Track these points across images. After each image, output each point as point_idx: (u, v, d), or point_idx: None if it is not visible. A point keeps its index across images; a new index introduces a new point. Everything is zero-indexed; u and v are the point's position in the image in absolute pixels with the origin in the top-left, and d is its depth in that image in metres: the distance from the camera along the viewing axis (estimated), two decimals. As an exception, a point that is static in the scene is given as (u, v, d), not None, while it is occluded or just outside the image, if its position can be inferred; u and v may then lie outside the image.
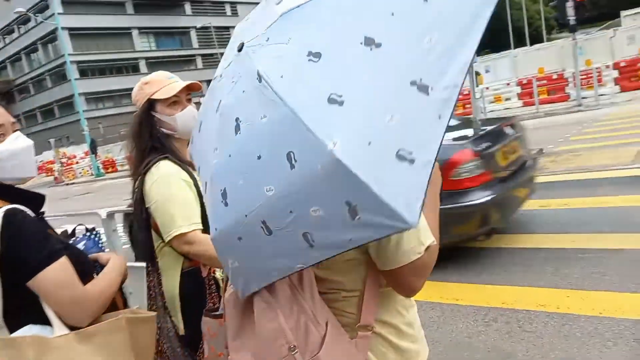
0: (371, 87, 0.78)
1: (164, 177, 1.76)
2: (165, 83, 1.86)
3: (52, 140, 30.46)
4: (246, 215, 0.86)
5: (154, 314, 1.42)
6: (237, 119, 0.88)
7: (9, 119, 1.38)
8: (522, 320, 3.19)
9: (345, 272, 1.06)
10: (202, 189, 1.05)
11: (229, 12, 53.01)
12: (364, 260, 1.04)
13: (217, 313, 1.32)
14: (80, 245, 1.59)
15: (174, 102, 1.85)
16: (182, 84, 1.86)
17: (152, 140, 1.83)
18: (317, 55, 0.82)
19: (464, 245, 4.59)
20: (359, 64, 0.80)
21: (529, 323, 3.13)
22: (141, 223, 1.82)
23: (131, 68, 46.35)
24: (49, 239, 1.29)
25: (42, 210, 1.42)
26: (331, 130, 0.76)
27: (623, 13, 35.53)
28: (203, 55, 51.08)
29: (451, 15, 0.82)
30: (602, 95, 15.04)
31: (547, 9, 31.83)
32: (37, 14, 38.83)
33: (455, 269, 4.17)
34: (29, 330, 1.23)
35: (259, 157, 0.83)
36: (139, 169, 1.81)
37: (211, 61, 49.60)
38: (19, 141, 1.38)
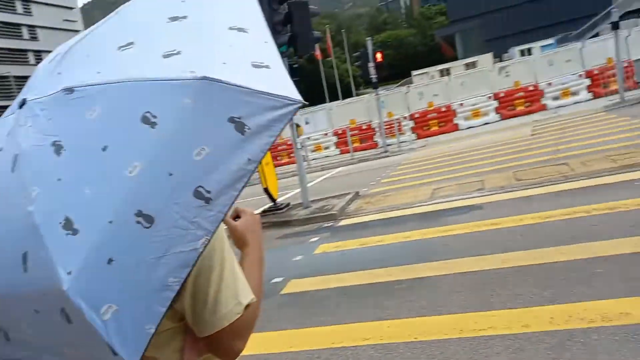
0: (196, 39, 0.86)
1: None
2: None
3: None
4: (110, 222, 0.72)
5: None
6: (54, 142, 0.80)
7: None
8: (350, 357, 3.32)
9: (159, 346, 0.93)
10: (8, 279, 0.80)
11: (32, 61, 47.81)
12: (180, 329, 0.94)
13: None
14: None
15: None
16: None
17: None
18: (129, 44, 0.87)
19: (293, 291, 4.69)
20: (173, 34, 0.89)
21: (356, 358, 3.27)
22: None
23: None
24: None
25: None
26: (180, 67, 0.80)
27: (413, 73, 42.35)
28: (1, 107, 44.66)
29: None
30: (403, 142, 17.37)
31: (354, 68, 36.06)
32: None
33: (284, 316, 4.19)
34: None
35: (105, 148, 0.76)
36: None
37: (3, 85, 44.04)
38: None
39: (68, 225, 0.73)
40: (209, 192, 0.73)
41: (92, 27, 0.99)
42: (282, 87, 0.81)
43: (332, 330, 3.78)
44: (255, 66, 0.82)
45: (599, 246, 4.13)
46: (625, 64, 15.79)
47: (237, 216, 1.08)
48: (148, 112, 0.76)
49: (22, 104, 0.91)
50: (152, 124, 0.75)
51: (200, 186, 0.73)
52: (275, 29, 7.82)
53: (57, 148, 0.79)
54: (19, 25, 47.79)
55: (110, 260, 0.72)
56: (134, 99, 0.78)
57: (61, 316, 0.73)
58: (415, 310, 3.77)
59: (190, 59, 0.80)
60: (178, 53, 0.82)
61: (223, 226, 0.88)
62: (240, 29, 0.90)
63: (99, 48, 0.92)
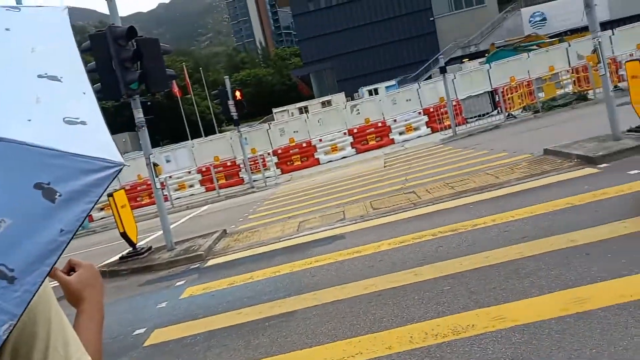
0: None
1: None
2: None
3: None
4: None
5: None
6: None
7: None
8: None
9: None
10: None
11: None
12: None
13: None
14: None
15: None
16: None
17: None
18: None
19: (158, 341, 4.38)
20: None
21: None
22: None
23: None
24: None
25: None
26: None
27: (274, 110, 43.62)
28: None
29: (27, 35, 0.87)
30: (268, 177, 17.60)
31: (215, 105, 35.87)
32: None
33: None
34: None
35: None
36: None
37: None
38: None
39: None
40: (12, 270, 0.64)
41: None
42: (101, 146, 0.74)
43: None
44: (69, 122, 0.75)
45: (445, 265, 4.61)
46: (455, 103, 18.26)
47: (71, 269, 0.97)
48: (45, 183, 0.67)
49: None
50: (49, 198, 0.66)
51: (1, 264, 0.64)
52: (123, 66, 7.47)
53: None
54: None
55: None
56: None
57: None
58: (286, 346, 3.78)
59: None
60: None
61: (48, 283, 0.79)
62: (52, 77, 0.81)
63: None
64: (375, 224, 6.98)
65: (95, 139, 0.75)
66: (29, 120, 0.72)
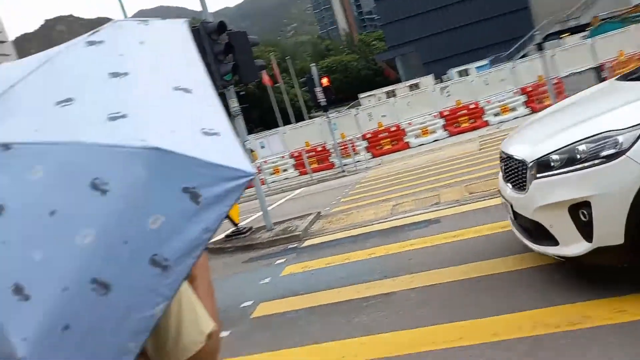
0: (142, 99, 0.83)
1: None
2: None
3: None
4: (65, 289, 0.70)
5: None
6: None
7: None
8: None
9: None
10: None
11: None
12: None
13: None
14: None
15: None
16: None
17: None
18: (68, 100, 0.83)
19: (263, 314, 4.66)
20: (120, 90, 0.84)
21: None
22: None
23: None
24: None
25: None
26: (131, 134, 0.76)
27: (360, 95, 43.45)
28: None
29: (168, 45, 0.98)
30: (358, 161, 17.71)
31: (304, 92, 36.55)
32: None
33: (254, 341, 4.16)
34: None
35: (53, 213, 0.73)
36: None
37: None
38: None
39: (18, 290, 0.72)
40: (166, 259, 0.73)
41: (21, 71, 0.92)
42: (234, 157, 0.80)
43: (307, 351, 3.78)
44: (206, 133, 0.81)
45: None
46: (555, 81, 16.95)
47: None
48: (97, 178, 0.74)
49: None
50: (103, 191, 0.73)
51: (156, 254, 0.73)
52: (217, 59, 7.96)
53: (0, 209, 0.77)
54: None
55: (66, 327, 0.71)
56: (80, 163, 0.75)
57: None
58: (386, 326, 3.84)
59: (138, 124, 0.78)
60: (124, 116, 0.79)
61: None
62: (185, 90, 0.87)
63: (34, 100, 0.86)
64: (472, 209, 6.77)
65: (229, 150, 0.82)
66: (173, 131, 0.79)
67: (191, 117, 0.83)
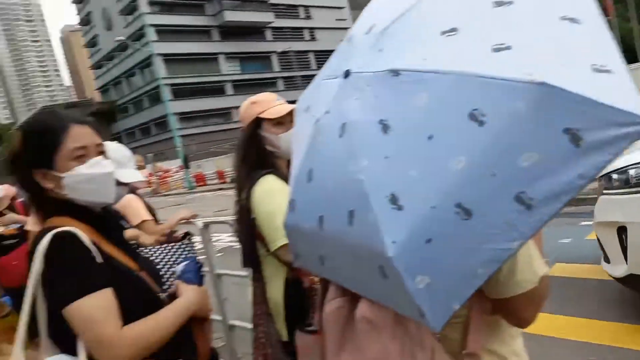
0: (531, 29, 0.79)
1: (270, 191, 1.83)
2: (273, 104, 1.96)
3: (149, 156, 32.88)
4: (433, 207, 0.77)
5: None
6: (381, 121, 0.86)
7: (94, 141, 1.34)
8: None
9: None
10: (336, 231, 0.93)
11: (307, 37, 54.85)
12: None
13: (311, 329, 1.30)
14: (180, 266, 1.58)
15: (279, 122, 1.93)
16: (289, 107, 1.94)
17: (258, 156, 1.92)
18: (453, 30, 0.83)
19: (572, 276, 4.30)
20: (505, 21, 0.81)
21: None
22: (247, 232, 1.90)
23: (218, 90, 49.15)
24: (89, 269, 1.21)
25: (114, 231, 1.40)
26: (516, 67, 0.73)
27: None
28: (284, 78, 53.05)
29: None
30: None
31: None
32: (134, 42, 42.68)
33: (559, 299, 3.85)
34: None
35: (430, 137, 0.79)
36: (245, 182, 1.90)
37: (291, 83, 51.39)
38: (98, 167, 1.32)
39: (394, 200, 0.81)
40: (531, 199, 0.72)
41: (409, 3, 0.96)
42: (628, 99, 0.68)
43: (616, 327, 3.31)
44: (596, 70, 0.72)
45: None
46: None
47: None
48: (476, 109, 0.74)
49: (347, 74, 0.96)
50: (480, 122, 0.74)
51: (522, 192, 0.72)
52: None
53: (384, 127, 0.85)
54: (300, 28, 54.39)
55: (429, 240, 0.78)
56: (462, 93, 0.77)
57: (378, 271, 0.84)
58: None
59: (524, 57, 0.75)
60: (508, 48, 0.76)
61: None
62: (572, 20, 0.79)
63: (420, 30, 0.90)
64: None
65: (622, 90, 0.71)
66: (562, 65, 0.73)
67: (580, 51, 0.76)
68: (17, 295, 1.32)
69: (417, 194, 0.79)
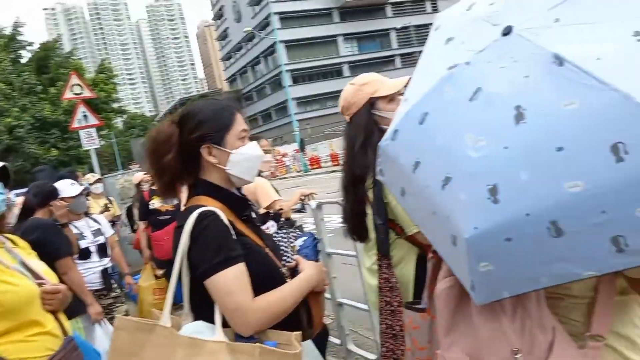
0: None
1: None
2: (383, 81, 1.95)
3: (269, 140, 34.78)
4: (528, 214, 0.77)
5: (298, 350, 1.27)
6: (518, 107, 0.79)
7: (246, 127, 1.51)
8: None
9: None
10: (427, 185, 0.94)
11: (429, 10, 52.70)
12: None
13: (420, 307, 1.31)
14: (299, 241, 1.66)
15: (392, 99, 1.91)
16: (404, 79, 1.90)
17: (379, 138, 1.91)
18: None
19: None
20: None
21: None
22: (381, 218, 1.89)
23: (335, 72, 49.85)
24: (228, 244, 1.32)
25: (247, 213, 1.50)
26: None
27: None
28: (402, 55, 51.85)
29: None
30: None
31: None
32: (260, 31, 44.94)
33: None
34: (195, 327, 1.31)
35: (560, 149, 0.74)
36: (370, 169, 1.86)
37: (409, 60, 50.06)
38: (255, 149, 1.50)
39: (493, 192, 0.80)
40: (627, 245, 0.71)
41: None
42: None
43: None
44: None
45: None
46: None
47: None
48: (622, 142, 0.68)
49: (508, 31, 0.86)
50: (619, 158, 0.69)
51: (622, 236, 0.71)
52: None
53: (518, 115, 0.79)
54: (422, 0, 52.03)
55: (509, 239, 0.79)
56: (616, 119, 0.69)
57: (450, 236, 0.88)
58: None
59: None
60: None
61: None
62: None
63: (613, 14, 0.77)
64: None
65: None
66: None
67: None
68: (166, 265, 1.50)
69: (519, 197, 0.77)
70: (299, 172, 29.45)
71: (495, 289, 0.85)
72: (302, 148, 29.61)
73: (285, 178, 28.05)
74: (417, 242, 1.83)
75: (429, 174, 0.93)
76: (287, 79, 42.40)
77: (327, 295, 3.73)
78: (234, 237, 1.35)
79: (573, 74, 0.74)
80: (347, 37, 50.45)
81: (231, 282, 1.28)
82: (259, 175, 3.27)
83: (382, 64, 48.49)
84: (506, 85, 0.82)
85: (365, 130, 1.91)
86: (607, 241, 0.72)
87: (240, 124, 1.48)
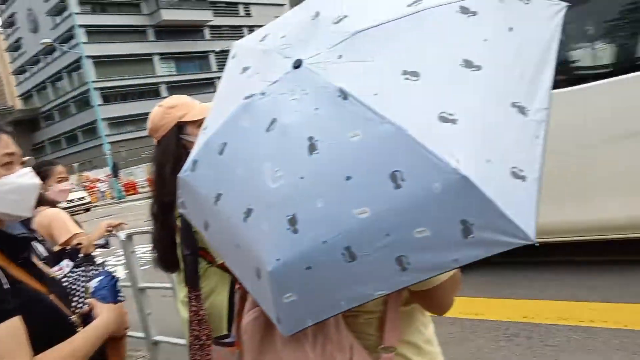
0: (479, 106, 0.78)
1: None
2: (193, 104, 1.91)
3: (75, 165, 31.24)
4: (324, 242, 0.80)
5: None
6: (310, 138, 0.82)
7: (18, 151, 1.29)
8: (543, 334, 3.11)
9: None
10: (230, 217, 0.93)
11: (246, 35, 53.89)
12: None
13: (228, 341, 1.30)
14: (94, 282, 1.50)
15: (201, 124, 1.88)
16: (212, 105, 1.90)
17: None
18: (415, 74, 0.80)
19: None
20: (462, 85, 0.79)
21: (551, 337, 3.06)
22: (189, 248, 1.83)
23: (152, 92, 47.46)
24: None
25: (25, 255, 1.30)
26: (450, 147, 0.72)
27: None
28: (221, 78, 51.88)
29: (529, 45, 0.87)
30: None
31: None
32: (62, 44, 40.31)
33: (474, 283, 4.10)
34: None
35: (348, 178, 0.78)
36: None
37: None
38: (26, 177, 1.28)
39: (292, 222, 0.82)
40: (409, 264, 0.77)
41: (394, 12, 0.87)
42: (525, 213, 0.73)
43: (524, 304, 3.58)
44: (514, 175, 0.75)
45: None
46: None
47: None
48: (398, 171, 0.75)
49: (299, 64, 0.89)
50: (397, 185, 0.75)
51: (404, 255, 0.77)
52: None
53: (311, 147, 0.82)
54: (240, 27, 52.97)
55: (309, 267, 0.82)
56: (393, 150, 0.76)
57: (254, 269, 0.90)
58: (626, 295, 3.29)
59: (461, 138, 0.74)
60: (453, 121, 0.75)
61: None
62: (521, 109, 0.80)
63: (387, 56, 0.83)
64: None
65: (525, 203, 0.75)
66: (488, 161, 0.75)
67: (510, 150, 0.77)
68: None
69: (315, 226, 0.80)
70: (112, 199, 27.07)
71: (299, 319, 0.88)
72: (115, 173, 27.30)
73: (97, 206, 25.54)
74: (229, 270, 1.82)
75: (231, 206, 0.92)
76: (96, 98, 38.61)
77: (140, 334, 3.48)
78: (6, 285, 1.15)
79: (355, 107, 0.79)
80: (164, 56, 48.55)
81: (3, 341, 1.08)
82: (54, 206, 2.93)
83: (201, 86, 47.75)
84: (299, 117, 0.85)
85: (173, 155, 1.83)
86: (393, 261, 0.77)
87: (3, 147, 1.24)
